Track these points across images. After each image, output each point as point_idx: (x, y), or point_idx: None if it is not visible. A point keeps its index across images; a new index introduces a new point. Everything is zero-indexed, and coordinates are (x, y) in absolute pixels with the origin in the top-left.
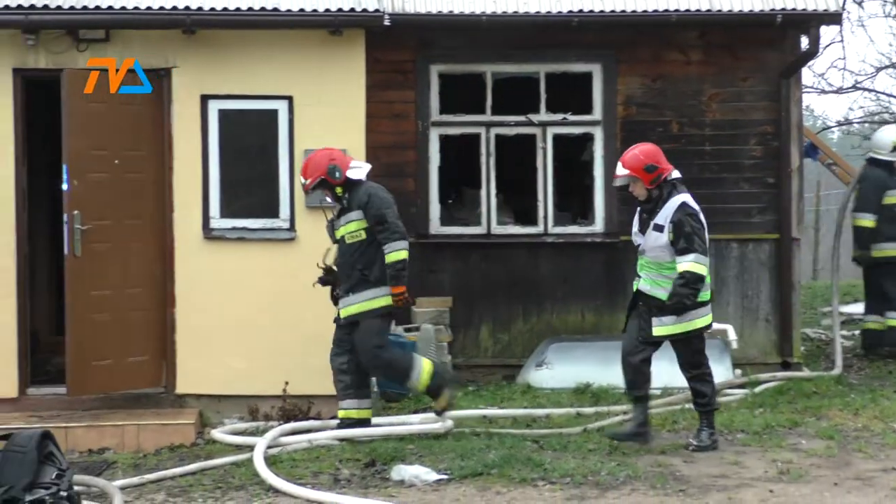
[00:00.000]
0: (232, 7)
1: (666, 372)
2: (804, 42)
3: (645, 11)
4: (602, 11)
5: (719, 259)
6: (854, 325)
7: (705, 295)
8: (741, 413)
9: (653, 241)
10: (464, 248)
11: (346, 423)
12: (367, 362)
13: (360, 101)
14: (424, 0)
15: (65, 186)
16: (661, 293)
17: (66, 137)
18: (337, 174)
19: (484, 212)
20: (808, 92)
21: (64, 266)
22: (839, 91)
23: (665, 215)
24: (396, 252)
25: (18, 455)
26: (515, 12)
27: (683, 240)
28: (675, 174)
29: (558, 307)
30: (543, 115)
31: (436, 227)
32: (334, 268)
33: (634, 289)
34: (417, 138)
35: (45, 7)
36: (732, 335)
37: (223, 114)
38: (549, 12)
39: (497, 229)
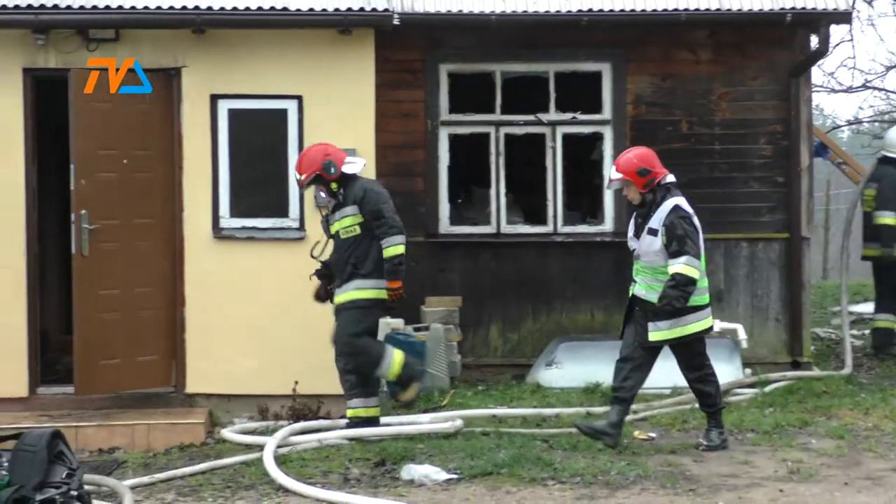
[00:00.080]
0: (241, 7)
1: (676, 372)
2: (814, 41)
3: (654, 10)
4: (611, 11)
5: (729, 258)
6: (864, 324)
7: (703, 299)
8: (751, 412)
9: (647, 246)
10: (473, 247)
11: (355, 423)
12: (339, 348)
13: (370, 101)
14: None
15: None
16: (656, 297)
17: (74, 137)
18: (332, 170)
19: (493, 211)
20: (818, 91)
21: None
22: (849, 90)
23: (659, 219)
24: (394, 247)
25: (29, 454)
26: (525, 11)
27: (676, 242)
28: (670, 178)
29: (568, 306)
30: (553, 115)
31: (445, 226)
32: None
33: (630, 294)
34: (427, 138)
35: (55, 7)
36: (742, 334)
37: (233, 113)
38: (558, 11)
39: (507, 229)
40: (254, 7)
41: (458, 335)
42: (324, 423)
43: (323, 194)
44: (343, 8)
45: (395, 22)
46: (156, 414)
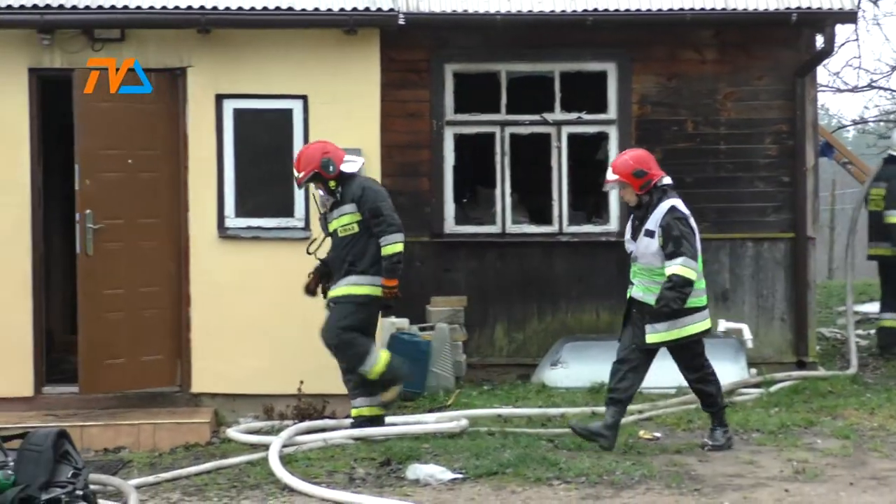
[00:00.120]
0: (247, 6)
1: (678, 372)
2: (819, 41)
3: (660, 10)
4: (617, 10)
5: (734, 258)
6: (869, 324)
7: (701, 300)
8: (756, 412)
9: (644, 248)
10: (478, 247)
11: (360, 422)
12: (327, 340)
13: (375, 101)
14: None
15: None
16: (653, 299)
17: (79, 137)
18: (331, 168)
19: (499, 211)
20: (823, 90)
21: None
22: (854, 90)
23: (655, 220)
24: (393, 245)
25: (34, 454)
26: (530, 11)
27: (672, 243)
28: (666, 180)
29: (573, 306)
30: (558, 115)
31: (450, 226)
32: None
33: (628, 296)
34: (432, 137)
35: (61, 7)
36: (748, 334)
37: (238, 113)
38: (563, 11)
39: (512, 228)
40: (259, 7)
41: (464, 335)
42: (329, 423)
43: (321, 192)
44: (348, 8)
45: (401, 22)
46: (161, 413)
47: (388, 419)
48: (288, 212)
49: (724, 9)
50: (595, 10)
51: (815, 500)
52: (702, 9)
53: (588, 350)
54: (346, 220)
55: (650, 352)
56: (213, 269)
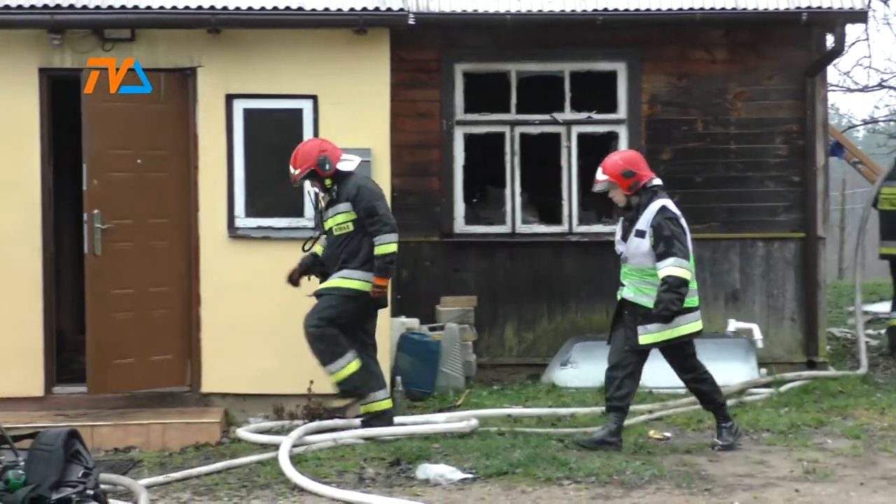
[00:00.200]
0: (257, 6)
1: None
2: (829, 40)
3: (670, 10)
4: (627, 10)
5: (744, 258)
6: (880, 324)
7: (693, 301)
8: (767, 412)
9: (634, 248)
10: (488, 247)
11: (369, 418)
12: (306, 326)
13: (385, 101)
14: None
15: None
16: (645, 300)
17: (87, 137)
18: (327, 166)
19: (508, 211)
20: (834, 90)
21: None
22: (864, 89)
23: (646, 220)
24: (387, 245)
25: (45, 453)
26: (540, 11)
27: (663, 244)
28: (656, 181)
29: (583, 306)
30: (568, 114)
31: (460, 225)
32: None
33: (618, 298)
34: (442, 137)
35: (71, 7)
36: (758, 334)
37: (248, 113)
38: (573, 11)
39: (522, 228)
40: (269, 7)
41: (474, 335)
42: (339, 423)
43: (317, 190)
44: (358, 8)
45: (411, 22)
46: (171, 413)
47: (397, 419)
48: (298, 212)
49: (734, 8)
50: (605, 9)
51: (825, 500)
52: (712, 8)
53: (598, 350)
54: (342, 218)
55: (643, 353)
56: (224, 269)
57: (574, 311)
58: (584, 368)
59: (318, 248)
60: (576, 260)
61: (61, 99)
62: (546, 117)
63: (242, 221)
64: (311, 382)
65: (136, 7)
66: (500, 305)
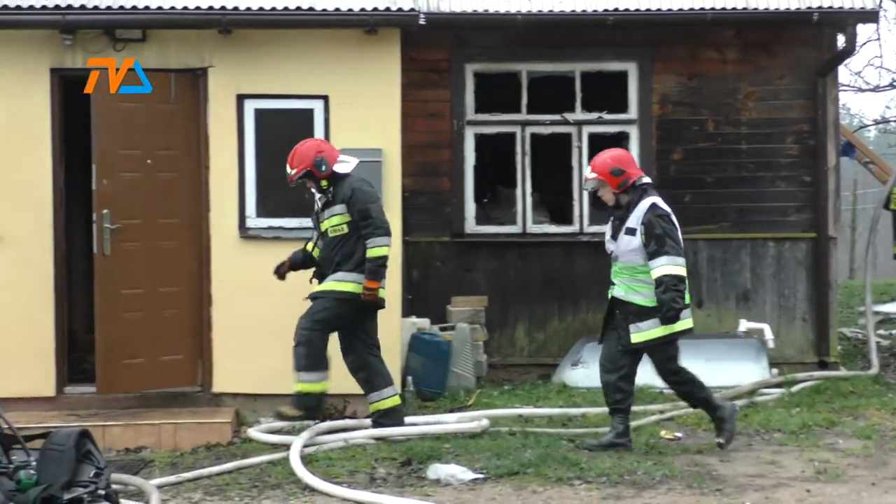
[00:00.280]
0: (268, 7)
1: (700, 372)
2: (841, 40)
3: (680, 10)
4: (638, 10)
5: (755, 258)
6: (891, 324)
7: (685, 298)
8: (778, 412)
9: (625, 246)
10: (499, 247)
11: (378, 417)
12: (297, 329)
13: (396, 101)
14: None
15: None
16: (637, 298)
17: (96, 137)
18: (323, 167)
19: (519, 211)
20: (845, 90)
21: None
22: (876, 89)
23: (637, 218)
24: (378, 248)
25: (57, 453)
26: (551, 11)
27: (654, 242)
28: (646, 179)
29: (594, 306)
30: (579, 114)
31: (471, 226)
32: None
33: (609, 297)
34: (453, 137)
35: (82, 7)
36: (769, 334)
37: (259, 113)
38: (584, 11)
39: (532, 228)
40: (280, 7)
41: (484, 335)
42: (350, 423)
43: (314, 190)
44: (369, 8)
45: (421, 22)
46: (182, 413)
47: (408, 419)
48: (309, 212)
49: (745, 8)
50: (616, 9)
51: (836, 501)
52: (723, 8)
53: None
54: (336, 220)
55: (637, 352)
56: (235, 270)
57: (585, 311)
58: (595, 369)
59: (310, 246)
60: (587, 260)
61: (73, 99)
62: (557, 117)
63: (253, 221)
64: None
65: (147, 7)
66: (510, 305)
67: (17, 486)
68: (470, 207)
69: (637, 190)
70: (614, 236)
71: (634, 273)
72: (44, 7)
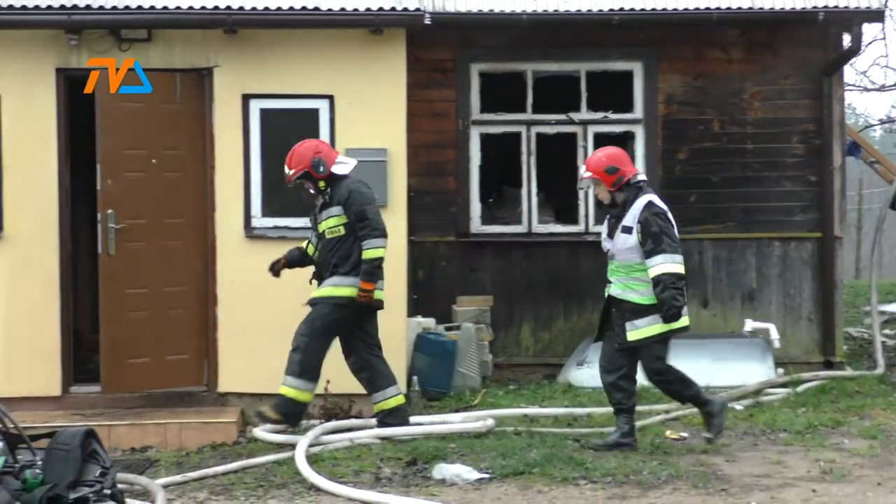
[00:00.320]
0: (273, 6)
1: (705, 372)
2: (846, 40)
3: (686, 9)
4: (643, 10)
5: (761, 258)
6: None
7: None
8: (784, 412)
9: (622, 244)
10: (505, 246)
11: (383, 416)
12: (296, 334)
13: (401, 100)
14: None
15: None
16: (633, 296)
17: (101, 137)
18: (321, 168)
19: (525, 210)
20: (851, 90)
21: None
22: (881, 89)
23: (633, 216)
24: (374, 249)
25: (62, 453)
26: (556, 11)
27: (651, 240)
28: (641, 177)
29: (599, 306)
30: (584, 114)
31: (476, 225)
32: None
33: (606, 295)
34: (458, 137)
35: (88, 7)
36: (775, 334)
37: (264, 113)
38: (589, 10)
39: (538, 228)
40: (285, 7)
41: (490, 335)
42: (355, 423)
43: (312, 191)
44: (374, 8)
45: (427, 21)
46: (188, 413)
47: (414, 419)
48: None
49: (750, 8)
50: (621, 9)
51: (842, 501)
52: (728, 8)
53: None
54: (333, 222)
55: (634, 350)
56: (240, 269)
57: (590, 310)
58: None
59: (309, 248)
60: (592, 260)
61: (78, 99)
62: (562, 117)
63: (259, 221)
64: (328, 382)
65: (152, 7)
66: (516, 305)
67: (22, 486)
68: (475, 207)
69: (632, 188)
70: (610, 234)
71: (631, 271)
72: (49, 7)
